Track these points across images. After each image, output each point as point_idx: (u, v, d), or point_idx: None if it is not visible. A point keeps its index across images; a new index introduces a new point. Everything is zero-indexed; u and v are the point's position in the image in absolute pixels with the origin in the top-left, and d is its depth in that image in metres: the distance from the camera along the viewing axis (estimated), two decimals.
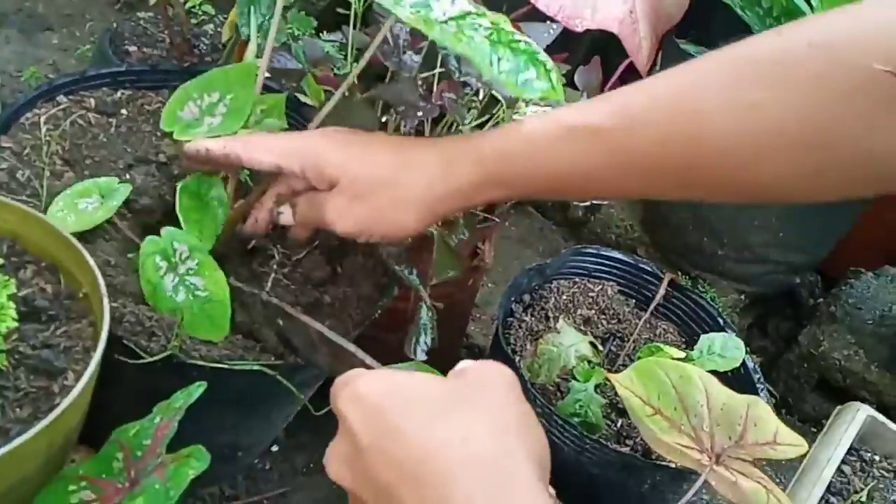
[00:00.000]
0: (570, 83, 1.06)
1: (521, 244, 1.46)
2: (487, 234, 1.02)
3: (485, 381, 0.56)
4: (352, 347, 0.70)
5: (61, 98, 0.88)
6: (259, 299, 0.81)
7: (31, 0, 1.47)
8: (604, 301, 1.10)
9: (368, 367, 0.65)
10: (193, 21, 1.18)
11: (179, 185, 0.82)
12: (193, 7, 1.20)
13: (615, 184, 0.73)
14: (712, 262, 1.34)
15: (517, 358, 0.99)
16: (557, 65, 1.02)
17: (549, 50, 1.00)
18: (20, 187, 0.80)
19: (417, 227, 0.78)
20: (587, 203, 1.11)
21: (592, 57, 1.08)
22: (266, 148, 0.77)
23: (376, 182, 0.75)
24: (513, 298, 1.05)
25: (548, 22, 1.07)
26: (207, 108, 0.81)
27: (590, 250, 1.12)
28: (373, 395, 0.55)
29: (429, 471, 0.51)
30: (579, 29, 1.14)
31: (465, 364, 0.58)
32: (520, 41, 0.74)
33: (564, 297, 1.08)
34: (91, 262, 0.71)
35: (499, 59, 0.71)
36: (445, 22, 0.72)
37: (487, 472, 0.51)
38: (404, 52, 0.92)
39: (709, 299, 1.14)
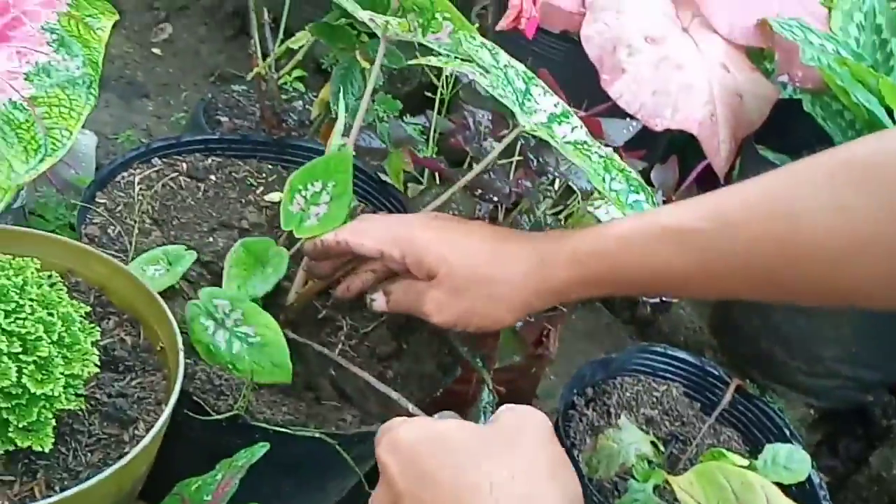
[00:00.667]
0: (646, 180, 1.07)
1: (588, 339, 1.45)
2: (553, 323, 1.03)
3: (519, 426, 0.58)
4: (395, 395, 0.72)
5: (156, 160, 0.92)
6: (312, 350, 0.83)
7: (131, 68, 1.56)
8: (668, 402, 1.09)
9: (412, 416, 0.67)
10: (284, 97, 1.23)
11: (242, 240, 0.85)
12: (285, 84, 1.25)
13: (707, 283, 0.75)
14: (782, 373, 1.31)
15: (576, 451, 0.98)
16: (634, 161, 1.05)
17: (627, 145, 1.02)
18: (110, 242, 0.84)
19: (511, 321, 0.81)
20: (656, 300, 1.11)
21: (670, 155, 1.09)
22: (371, 234, 0.81)
23: (474, 277, 0.78)
24: (575, 390, 1.05)
25: (627, 119, 1.09)
26: (312, 198, 0.84)
27: (656, 349, 1.12)
28: (410, 443, 0.57)
29: None
30: (658, 128, 1.17)
31: (500, 409, 0.59)
32: (630, 171, 0.84)
33: (628, 394, 1.08)
34: (171, 317, 0.74)
35: (611, 179, 0.81)
36: (569, 142, 0.81)
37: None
38: (485, 139, 0.95)
39: (777, 409, 1.12)
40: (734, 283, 0.73)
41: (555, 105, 0.86)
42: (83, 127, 1.00)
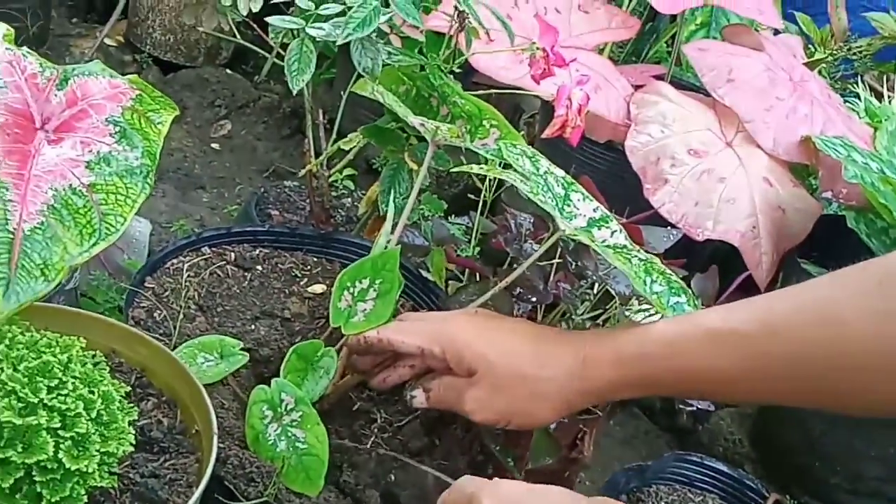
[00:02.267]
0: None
1: (624, 446, 1.43)
2: (589, 426, 1.02)
3: None
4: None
5: (205, 249, 0.96)
6: (374, 454, 0.84)
7: (189, 161, 1.61)
8: None
9: None
10: (334, 193, 1.27)
11: (293, 347, 0.87)
12: (336, 181, 1.29)
13: (752, 387, 0.75)
14: (822, 490, 1.28)
15: None
16: (674, 269, 1.05)
17: (668, 254, 1.03)
18: (155, 325, 0.87)
19: (552, 420, 0.83)
20: (695, 408, 1.10)
21: (711, 265, 1.10)
22: (412, 332, 0.83)
23: (515, 376, 0.80)
24: (608, 494, 1.03)
25: (668, 227, 1.10)
26: (359, 295, 0.87)
27: (693, 458, 1.10)
28: (514, 493, 0.58)
29: None
30: (700, 238, 1.18)
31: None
32: (670, 275, 0.86)
33: (663, 503, 1.06)
34: (208, 402, 0.76)
35: (652, 281, 0.83)
36: (608, 245, 0.84)
37: None
38: (525, 241, 0.97)
39: None
40: (780, 387, 0.73)
41: (594, 210, 0.89)
42: (138, 214, 1.05)
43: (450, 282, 1.10)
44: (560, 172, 0.89)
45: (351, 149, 1.06)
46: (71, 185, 0.73)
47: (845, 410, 0.78)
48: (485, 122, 0.94)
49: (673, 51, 1.40)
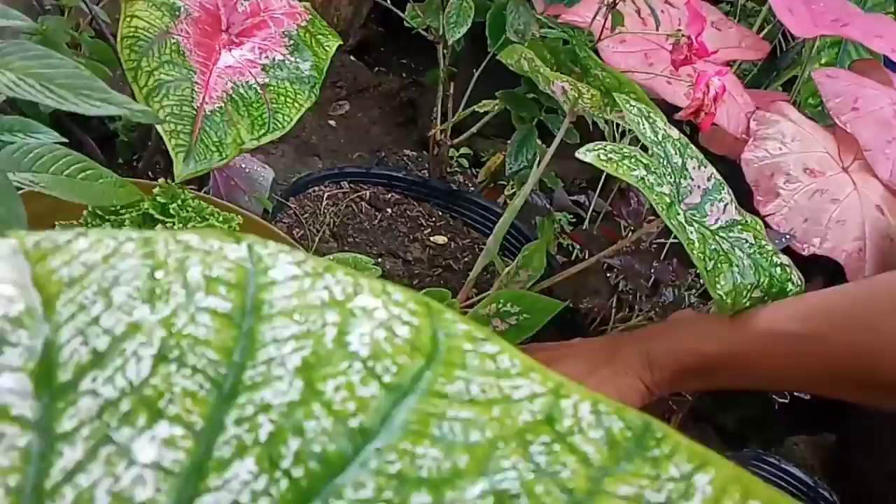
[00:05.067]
0: None
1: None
2: (679, 406, 1.04)
3: None
4: None
5: (344, 183, 1.01)
6: None
7: (307, 132, 1.68)
8: None
9: None
10: (447, 169, 1.32)
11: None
12: (451, 156, 1.34)
13: (799, 383, 0.83)
14: None
15: None
16: None
17: None
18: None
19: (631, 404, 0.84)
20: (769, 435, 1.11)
21: (818, 275, 1.11)
22: None
23: (589, 363, 0.84)
24: None
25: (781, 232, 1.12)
26: (502, 314, 0.90)
27: (771, 459, 1.11)
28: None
29: None
30: (806, 252, 1.19)
31: None
32: (779, 261, 0.84)
33: None
34: None
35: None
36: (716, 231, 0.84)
37: None
38: (644, 222, 1.00)
39: None
40: (829, 385, 0.77)
41: (708, 179, 0.90)
42: (265, 163, 1.11)
43: (557, 256, 1.14)
44: (675, 133, 0.91)
45: (484, 114, 1.11)
46: (248, 81, 0.79)
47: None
48: (624, 93, 0.97)
49: (798, 79, 1.43)
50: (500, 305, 0.89)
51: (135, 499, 0.24)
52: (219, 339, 0.28)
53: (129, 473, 0.24)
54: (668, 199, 0.81)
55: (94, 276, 0.29)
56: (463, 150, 1.34)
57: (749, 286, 0.82)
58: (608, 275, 0.98)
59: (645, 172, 0.82)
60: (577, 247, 1.08)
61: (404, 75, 1.92)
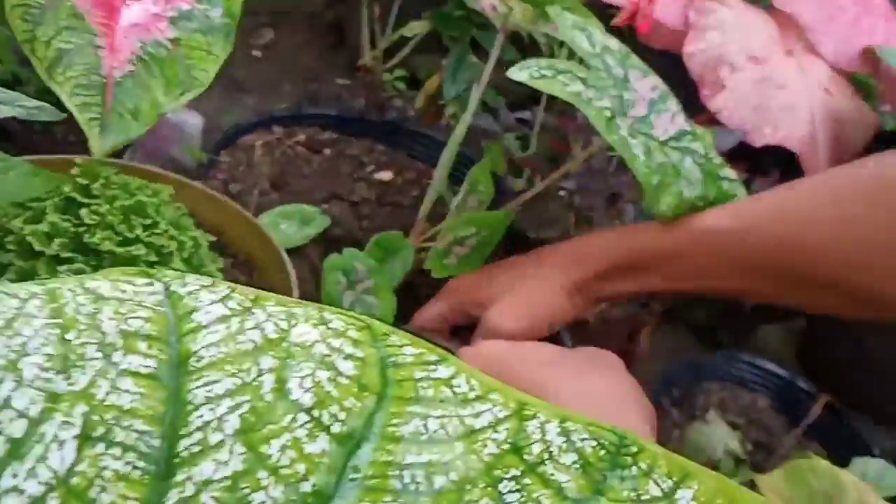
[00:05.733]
0: (748, 190, 1.08)
1: (669, 356, 1.45)
2: (646, 320, 1.03)
3: (601, 355, 0.61)
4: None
5: (276, 128, 0.96)
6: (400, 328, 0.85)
7: (232, 66, 1.60)
8: (754, 412, 1.08)
9: None
10: (384, 94, 1.27)
11: (374, 238, 0.88)
12: (386, 82, 1.29)
13: (737, 283, 0.81)
14: (873, 404, 1.29)
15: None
16: (736, 173, 1.05)
17: (731, 154, 1.03)
18: (231, 198, 0.88)
19: (570, 310, 0.82)
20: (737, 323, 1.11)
21: (775, 166, 1.10)
22: (440, 306, 0.85)
23: (514, 273, 0.83)
24: (661, 390, 1.05)
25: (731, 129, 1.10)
26: (460, 240, 0.88)
27: (745, 358, 1.11)
28: (496, 352, 0.60)
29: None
30: (758, 143, 1.17)
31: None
32: (727, 175, 0.81)
33: (714, 398, 1.07)
34: (286, 259, 0.77)
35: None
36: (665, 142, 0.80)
37: (596, 407, 0.55)
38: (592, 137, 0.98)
39: (865, 431, 1.11)
40: (754, 283, 0.78)
41: (652, 89, 0.88)
42: (192, 109, 1.06)
43: (508, 177, 1.11)
44: (615, 44, 0.88)
45: (411, 37, 1.06)
46: (156, 38, 0.73)
47: (815, 310, 0.85)
48: (556, 5, 0.93)
49: None
50: (455, 234, 0.86)
51: None
52: (146, 406, 0.25)
53: None
54: (607, 114, 0.78)
55: None
56: (398, 73, 1.29)
57: (696, 198, 0.80)
58: (563, 195, 0.95)
59: (582, 87, 0.79)
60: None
61: None
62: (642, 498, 0.25)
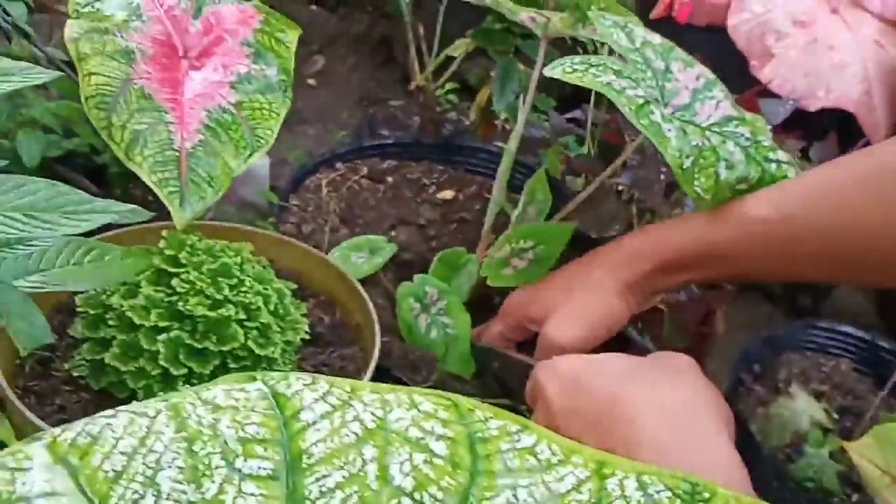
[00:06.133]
0: (805, 158, 1.08)
1: (749, 329, 1.45)
2: (719, 302, 1.05)
3: (673, 361, 0.62)
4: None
5: (339, 165, 1.00)
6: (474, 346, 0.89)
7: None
8: (837, 377, 1.09)
9: None
10: (438, 109, 1.30)
11: (438, 255, 0.91)
12: (439, 97, 1.32)
13: (780, 269, 0.81)
14: None
15: (749, 423, 0.99)
16: (792, 142, 1.05)
17: (786, 124, 1.04)
18: (305, 238, 0.93)
19: (625, 310, 0.84)
20: (815, 287, 1.11)
21: (832, 129, 1.10)
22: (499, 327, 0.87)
23: (567, 283, 0.84)
24: (742, 367, 1.06)
25: (783, 99, 1.11)
26: (518, 251, 0.90)
27: (822, 324, 1.12)
28: (568, 366, 0.62)
29: (617, 416, 0.56)
30: (812, 108, 1.17)
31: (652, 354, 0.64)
32: (776, 157, 0.82)
33: (795, 370, 1.08)
34: (365, 295, 0.81)
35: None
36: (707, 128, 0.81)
37: (673, 418, 0.55)
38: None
39: None
40: (808, 268, 0.79)
41: (697, 78, 0.89)
42: None
43: (567, 177, 1.13)
44: (657, 39, 0.89)
45: (457, 56, 1.09)
46: (220, 104, 0.78)
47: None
48: (593, 7, 0.95)
49: None
50: (513, 245, 0.89)
51: None
52: None
53: None
54: (638, 101, 0.79)
55: (137, 466, 0.30)
56: (449, 86, 1.32)
57: (736, 180, 0.81)
58: (620, 191, 0.97)
59: (613, 77, 0.81)
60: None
61: (370, 9, 1.87)
62: None
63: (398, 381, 0.81)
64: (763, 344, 1.08)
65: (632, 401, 0.57)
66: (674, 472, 0.30)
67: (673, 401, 0.57)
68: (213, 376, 0.68)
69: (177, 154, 0.73)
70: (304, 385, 0.32)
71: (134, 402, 0.33)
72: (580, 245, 0.93)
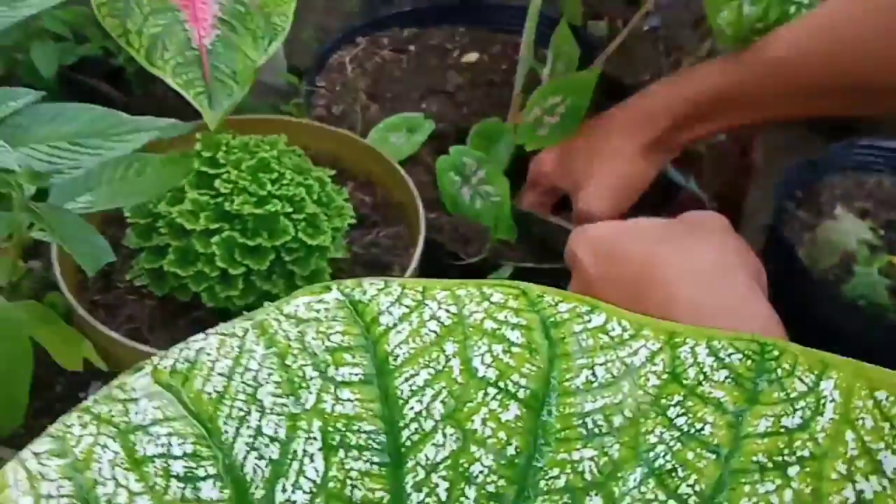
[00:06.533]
0: None
1: (788, 150, 1.44)
2: (755, 132, 1.04)
3: (702, 220, 0.63)
4: None
5: (359, 39, 0.99)
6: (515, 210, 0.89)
7: None
8: (881, 193, 1.09)
9: None
10: None
11: (474, 129, 0.91)
12: None
13: (799, 108, 0.80)
14: None
15: (796, 249, 1.00)
16: None
17: None
18: (337, 120, 0.93)
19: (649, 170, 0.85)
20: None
21: None
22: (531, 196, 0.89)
23: (588, 153, 0.85)
24: (784, 194, 1.06)
25: None
26: (549, 109, 0.89)
27: (862, 142, 1.11)
28: (601, 233, 0.63)
29: (653, 278, 0.57)
30: None
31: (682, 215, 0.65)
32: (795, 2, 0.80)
33: (838, 191, 1.08)
34: (403, 173, 0.82)
35: None
36: None
37: (708, 278, 0.56)
38: None
39: None
40: (822, 101, 0.77)
41: None
42: None
43: (589, 21, 1.10)
44: None
45: None
46: None
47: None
48: None
49: None
50: (543, 103, 0.88)
51: None
52: (366, 409, 0.30)
53: None
54: None
55: (236, 385, 0.32)
56: None
57: (757, 16, 0.79)
58: (648, 33, 0.95)
59: None
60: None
61: None
62: (791, 396, 0.29)
63: (452, 255, 0.83)
64: (803, 169, 1.08)
65: (666, 263, 0.58)
66: (742, 335, 0.31)
67: (706, 260, 0.58)
68: (270, 272, 0.70)
69: (197, 53, 0.72)
70: (379, 290, 0.33)
71: (220, 325, 0.34)
72: (613, 93, 0.92)
